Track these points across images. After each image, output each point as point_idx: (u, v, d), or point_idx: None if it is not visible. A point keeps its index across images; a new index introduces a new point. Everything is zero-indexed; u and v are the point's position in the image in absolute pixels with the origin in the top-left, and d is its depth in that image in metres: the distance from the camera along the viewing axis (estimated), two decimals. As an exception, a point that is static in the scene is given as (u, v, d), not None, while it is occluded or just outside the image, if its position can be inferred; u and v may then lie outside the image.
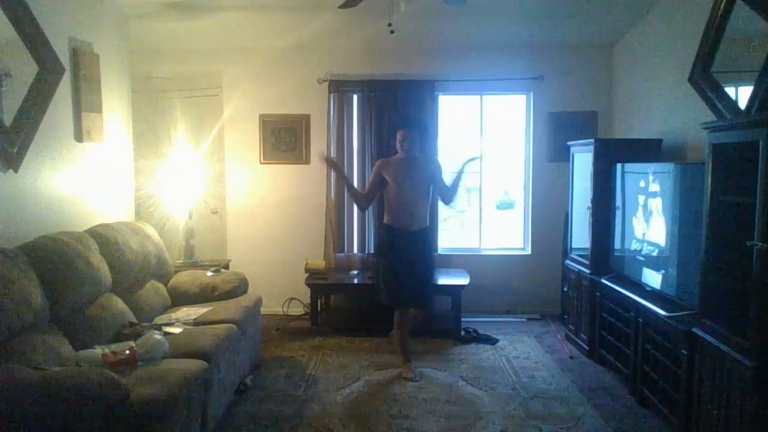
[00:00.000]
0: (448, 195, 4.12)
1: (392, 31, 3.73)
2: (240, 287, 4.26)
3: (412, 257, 3.98)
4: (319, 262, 5.31)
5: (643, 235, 3.80)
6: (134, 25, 4.68)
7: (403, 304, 4.02)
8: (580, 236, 4.67)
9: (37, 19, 3.15)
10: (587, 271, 4.40)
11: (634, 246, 3.93)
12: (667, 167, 3.59)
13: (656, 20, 4.63)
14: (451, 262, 5.53)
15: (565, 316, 5.01)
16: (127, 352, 2.78)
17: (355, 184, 5.48)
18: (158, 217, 5.02)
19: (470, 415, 3.43)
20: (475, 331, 4.91)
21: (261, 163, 5.56)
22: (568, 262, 4.89)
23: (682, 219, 3.32)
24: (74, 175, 3.71)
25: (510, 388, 3.81)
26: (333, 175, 5.39)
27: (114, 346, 2.86)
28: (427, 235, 4.12)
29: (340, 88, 5.39)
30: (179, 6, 4.53)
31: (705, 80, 3.63)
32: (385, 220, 4.08)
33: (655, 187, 3.68)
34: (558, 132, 5.44)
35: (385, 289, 4.03)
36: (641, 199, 3.84)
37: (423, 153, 4.19)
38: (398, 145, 4.02)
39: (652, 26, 4.69)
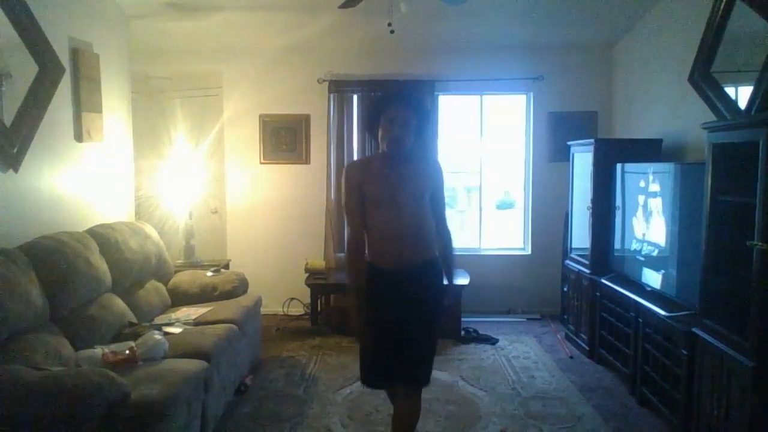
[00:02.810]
0: (443, 237, 2.68)
1: (392, 31, 3.73)
2: (240, 287, 4.26)
3: (403, 310, 2.53)
4: (319, 262, 5.31)
5: (643, 235, 3.80)
6: (134, 25, 4.68)
7: (380, 381, 2.67)
8: (580, 236, 4.67)
9: (37, 19, 3.15)
10: (587, 271, 4.40)
11: (634, 246, 3.93)
12: (667, 167, 3.59)
13: (656, 20, 4.62)
14: (451, 262, 5.53)
15: (565, 316, 5.01)
16: (127, 352, 2.79)
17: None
18: (158, 217, 5.03)
19: (470, 415, 3.43)
20: (475, 331, 4.91)
21: (261, 163, 5.56)
22: (568, 262, 4.89)
23: (682, 219, 3.32)
24: (74, 175, 3.70)
25: (510, 388, 3.81)
26: (333, 175, 5.39)
27: (114, 346, 2.87)
28: (431, 273, 2.60)
29: (339, 88, 5.39)
30: (179, 6, 4.52)
31: (705, 80, 3.63)
32: (367, 254, 2.63)
33: (655, 187, 3.68)
34: (558, 132, 5.44)
35: (360, 356, 2.68)
36: (641, 199, 3.84)
37: (421, 151, 2.82)
38: (382, 133, 2.52)
39: (652, 26, 4.69)
